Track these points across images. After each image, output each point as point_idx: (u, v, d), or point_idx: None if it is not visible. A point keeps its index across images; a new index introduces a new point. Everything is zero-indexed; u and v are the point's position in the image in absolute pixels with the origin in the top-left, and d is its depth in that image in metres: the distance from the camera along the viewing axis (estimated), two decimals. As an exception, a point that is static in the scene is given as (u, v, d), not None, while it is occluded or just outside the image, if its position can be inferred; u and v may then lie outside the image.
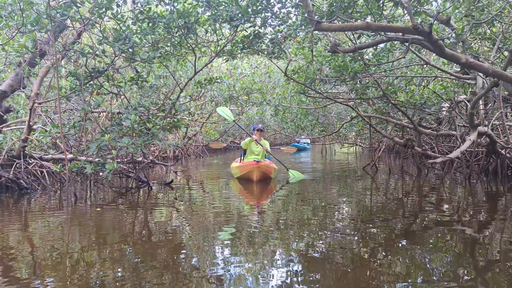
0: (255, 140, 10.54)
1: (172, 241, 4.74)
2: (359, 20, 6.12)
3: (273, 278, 3.51)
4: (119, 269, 3.75)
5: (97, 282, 3.44)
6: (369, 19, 6.28)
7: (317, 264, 3.85)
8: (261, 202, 7.50)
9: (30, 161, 8.56)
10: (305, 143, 29.55)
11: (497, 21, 7.53)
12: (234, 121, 11.35)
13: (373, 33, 7.18)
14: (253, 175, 9.73)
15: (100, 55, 7.43)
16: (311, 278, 3.50)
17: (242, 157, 11.02)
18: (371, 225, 5.39)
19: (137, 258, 4.05)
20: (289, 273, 3.62)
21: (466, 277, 3.55)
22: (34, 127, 8.49)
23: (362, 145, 21.51)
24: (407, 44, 5.57)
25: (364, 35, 7.57)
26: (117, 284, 3.40)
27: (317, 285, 3.36)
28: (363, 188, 9.12)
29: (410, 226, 5.38)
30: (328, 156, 21.76)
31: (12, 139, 8.37)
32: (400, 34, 5.62)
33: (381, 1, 5.88)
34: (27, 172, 8.43)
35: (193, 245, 4.57)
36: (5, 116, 8.92)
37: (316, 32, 7.70)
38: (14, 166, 8.17)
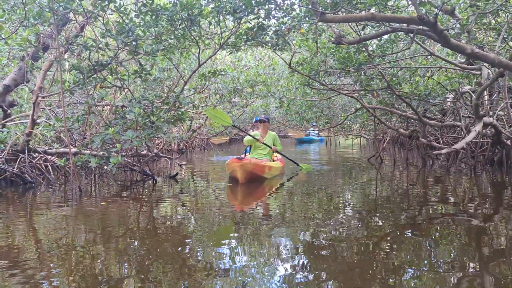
0: (261, 141, 9.46)
1: (178, 234, 4.74)
2: (363, 11, 6.08)
3: (278, 269, 3.50)
4: (124, 263, 3.75)
5: (103, 275, 3.44)
6: (373, 10, 6.24)
7: (322, 256, 3.84)
8: (266, 194, 7.48)
9: (35, 155, 8.57)
10: (312, 134, 29.23)
11: (502, 11, 7.47)
12: (233, 125, 10.12)
13: (377, 24, 7.15)
14: (237, 175, 8.25)
15: (103, 48, 7.41)
16: (317, 270, 3.49)
17: (246, 153, 9.91)
18: (376, 216, 5.38)
19: (142, 251, 4.05)
20: (294, 264, 3.62)
21: (471, 267, 3.53)
22: (38, 121, 8.50)
23: (366, 136, 21.45)
24: (412, 35, 5.53)
25: (369, 27, 7.53)
26: (123, 277, 3.41)
27: (323, 277, 3.35)
28: (368, 179, 9.09)
29: (415, 217, 5.36)
30: (332, 148, 21.72)
31: (16, 134, 8.39)
32: (405, 24, 5.57)
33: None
34: (31, 166, 8.45)
35: (199, 238, 4.57)
36: (9, 111, 8.94)
37: (320, 23, 7.68)
38: (18, 160, 8.19)
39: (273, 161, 9.83)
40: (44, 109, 9.97)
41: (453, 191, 7.43)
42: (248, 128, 27.05)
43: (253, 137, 9.60)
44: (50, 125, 8.11)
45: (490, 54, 5.40)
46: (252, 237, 4.53)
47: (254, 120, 10.61)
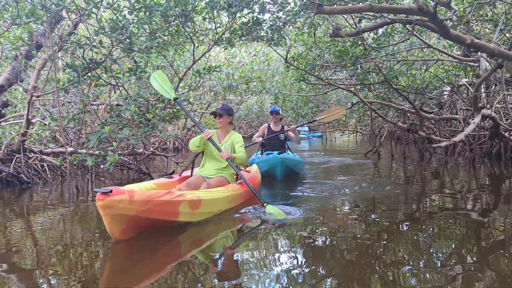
0: (207, 135, 5.84)
1: (175, 233, 4.67)
2: (361, 2, 6.02)
3: (276, 267, 3.43)
4: (122, 262, 3.68)
5: (100, 275, 3.38)
6: (369, 1, 6.18)
7: (320, 252, 3.79)
8: (263, 192, 7.39)
9: (30, 155, 8.49)
10: (302, 132, 28.08)
11: (499, 2, 7.43)
12: (174, 99, 6.35)
13: (373, 17, 7.10)
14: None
15: (97, 46, 7.33)
16: (315, 267, 3.43)
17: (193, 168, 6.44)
18: (374, 211, 5.33)
19: (140, 250, 3.97)
20: (292, 261, 3.55)
21: (470, 261, 3.49)
22: (33, 120, 8.41)
23: (362, 132, 21.44)
24: (410, 26, 5.48)
25: (365, 19, 7.48)
26: (120, 277, 3.35)
27: (321, 273, 3.30)
28: (366, 174, 9.04)
29: (413, 211, 5.32)
30: (328, 143, 21.69)
31: (11, 134, 8.30)
32: (404, 15, 5.53)
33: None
34: (27, 167, 8.36)
35: (196, 237, 4.50)
36: (3, 111, 8.84)
37: (315, 17, 7.61)
38: (14, 160, 8.10)
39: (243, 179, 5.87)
40: (39, 108, 9.88)
41: (452, 184, 7.40)
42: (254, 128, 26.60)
43: (201, 130, 6.17)
44: (45, 124, 8.03)
45: (490, 45, 5.37)
46: (250, 234, 4.47)
47: (270, 111, 9.02)
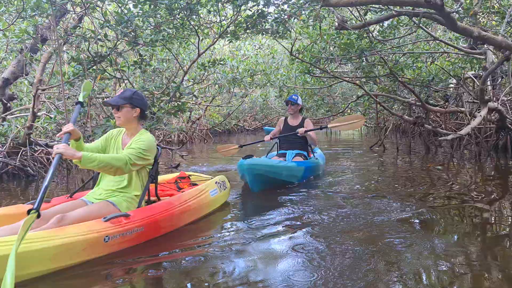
0: None
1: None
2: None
3: (278, 264, 3.40)
4: (125, 256, 3.69)
5: (105, 268, 3.38)
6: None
7: (323, 246, 3.79)
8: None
9: (36, 148, 8.51)
10: None
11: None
12: None
13: (379, 10, 7.06)
14: None
15: (102, 39, 7.32)
16: (319, 261, 3.43)
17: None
18: (379, 205, 5.31)
19: (142, 245, 3.96)
20: (294, 258, 3.52)
21: (474, 253, 3.49)
22: (39, 114, 8.43)
23: (367, 125, 21.37)
24: (417, 18, 5.45)
25: (371, 11, 7.45)
26: (124, 268, 3.36)
27: (325, 267, 3.29)
28: (371, 167, 9.02)
29: (419, 205, 5.29)
30: (333, 136, 21.64)
31: (17, 127, 8.32)
32: (410, 8, 5.50)
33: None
34: (33, 160, 8.39)
35: (199, 231, 4.48)
36: (9, 104, 8.86)
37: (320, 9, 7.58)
38: (20, 153, 8.13)
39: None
40: (44, 101, 9.89)
41: (458, 177, 7.39)
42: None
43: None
44: (50, 118, 8.04)
45: (498, 37, 5.34)
46: (252, 230, 4.40)
47: (285, 100, 7.68)
